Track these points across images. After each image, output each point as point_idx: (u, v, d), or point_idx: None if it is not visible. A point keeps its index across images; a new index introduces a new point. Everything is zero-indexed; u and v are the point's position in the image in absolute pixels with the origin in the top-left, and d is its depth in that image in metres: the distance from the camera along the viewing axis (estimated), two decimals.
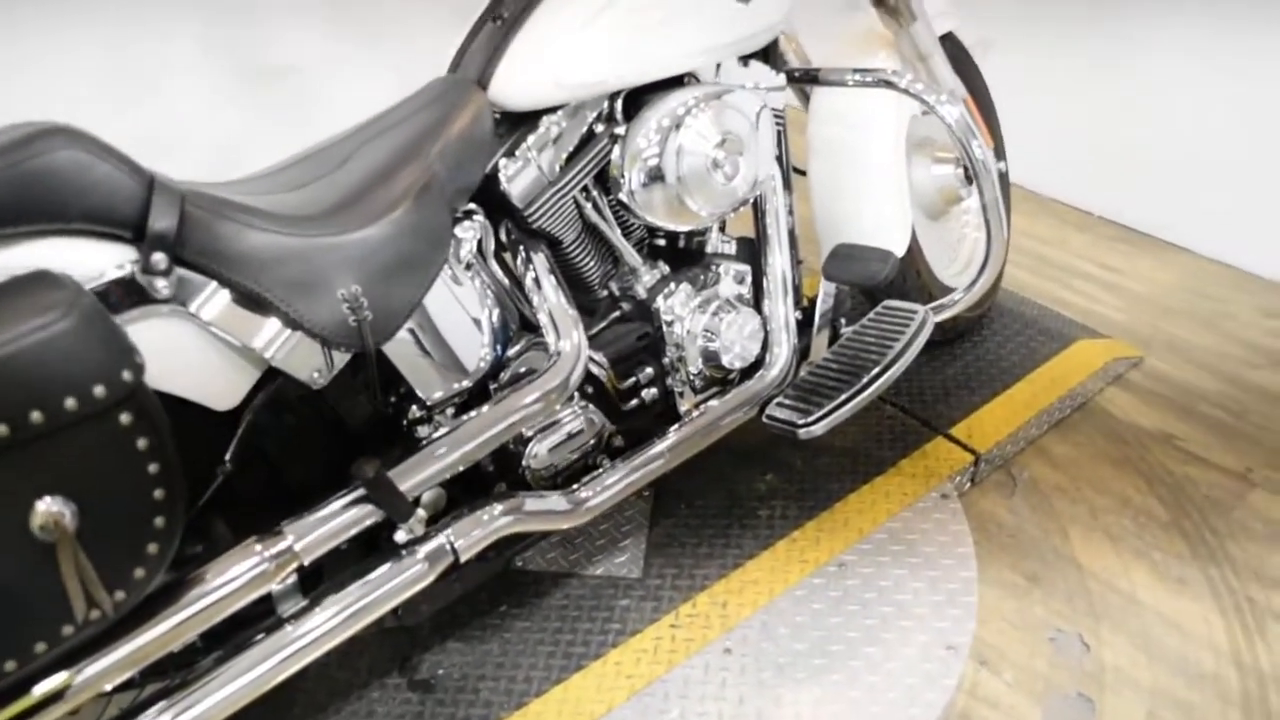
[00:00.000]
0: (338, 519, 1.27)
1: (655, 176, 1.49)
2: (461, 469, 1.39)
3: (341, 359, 1.30)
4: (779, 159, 1.77)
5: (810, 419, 1.59)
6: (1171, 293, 2.56)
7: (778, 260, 1.72)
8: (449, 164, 1.38)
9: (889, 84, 1.71)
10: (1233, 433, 2.12)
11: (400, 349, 1.37)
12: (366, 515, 1.29)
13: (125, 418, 1.02)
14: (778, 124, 1.73)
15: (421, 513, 1.34)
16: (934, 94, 1.70)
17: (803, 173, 2.02)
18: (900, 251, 1.93)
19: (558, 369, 1.46)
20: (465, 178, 1.40)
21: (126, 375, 1.01)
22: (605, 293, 1.65)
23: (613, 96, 1.52)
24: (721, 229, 1.77)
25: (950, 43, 2.17)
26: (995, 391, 2.15)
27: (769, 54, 1.74)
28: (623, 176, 1.49)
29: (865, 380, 1.63)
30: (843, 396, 1.61)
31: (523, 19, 1.46)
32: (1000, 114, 2.33)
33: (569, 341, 1.47)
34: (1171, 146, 2.69)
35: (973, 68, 2.27)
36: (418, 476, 1.34)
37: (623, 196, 1.50)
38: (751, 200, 1.64)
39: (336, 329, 1.24)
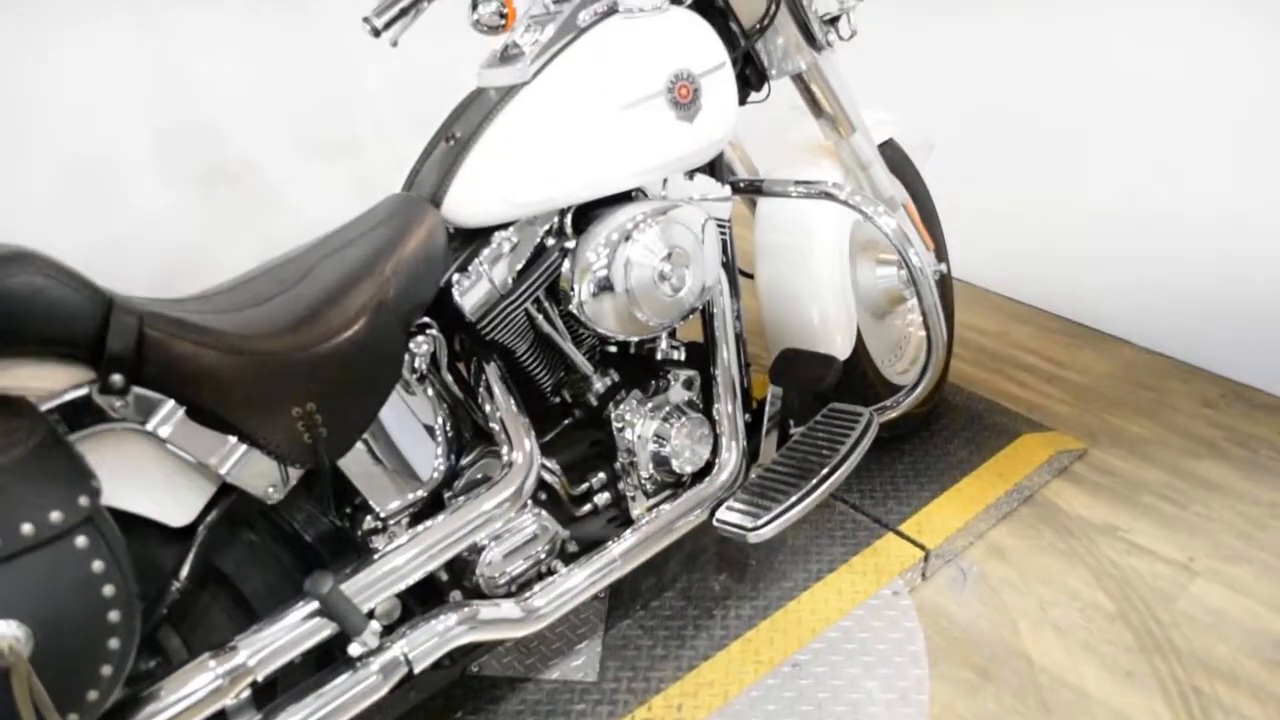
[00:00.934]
0: (292, 633, 1.28)
1: (604, 288, 1.54)
2: (416, 579, 1.41)
3: (296, 473, 1.32)
4: (726, 265, 1.83)
5: (760, 522, 1.62)
6: (1113, 384, 2.63)
7: (726, 365, 1.77)
8: (403, 281, 1.42)
9: (829, 195, 1.79)
10: (1175, 522, 2.17)
11: (355, 462, 1.40)
12: (321, 628, 1.31)
13: (81, 541, 1.04)
14: (722, 233, 1.79)
15: (376, 625, 1.35)
16: (871, 205, 1.77)
17: (750, 276, 2.09)
18: (845, 354, 2.00)
19: (511, 478, 1.49)
20: (419, 294, 1.44)
21: (83, 500, 1.03)
22: (558, 400, 1.69)
23: (563, 211, 1.58)
24: (671, 335, 1.82)
25: (890, 148, 2.26)
26: (944, 486, 2.20)
27: (714, 166, 1.81)
28: (572, 289, 1.54)
29: (813, 483, 1.67)
30: (791, 500, 1.65)
31: (474, 139, 1.52)
32: (942, 212, 2.43)
33: (521, 450, 1.50)
34: (1108, 240, 2.79)
35: (913, 171, 2.36)
36: (372, 589, 1.36)
37: (573, 308, 1.55)
38: (699, 308, 1.70)
39: (291, 446, 1.26)
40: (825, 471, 1.69)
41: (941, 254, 2.38)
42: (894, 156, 2.28)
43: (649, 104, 1.55)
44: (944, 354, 1.88)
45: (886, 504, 2.14)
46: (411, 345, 1.44)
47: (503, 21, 1.81)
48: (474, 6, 1.79)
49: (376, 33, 1.70)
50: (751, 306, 2.07)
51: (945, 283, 2.40)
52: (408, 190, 1.57)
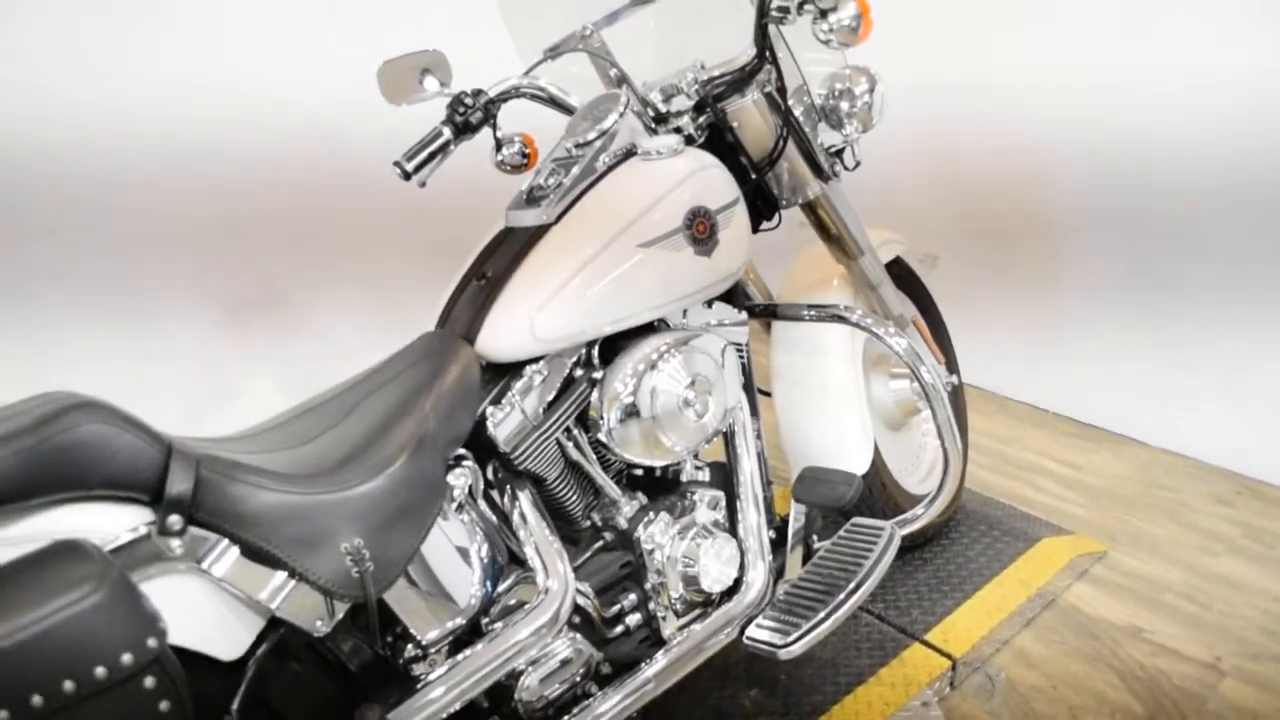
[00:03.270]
0: None
1: (632, 416, 1.62)
2: (458, 707, 1.45)
3: (343, 607, 1.38)
4: (745, 387, 1.90)
5: (789, 639, 1.66)
6: (1129, 485, 2.68)
7: (749, 484, 1.83)
8: (441, 416, 1.49)
9: (841, 319, 1.87)
10: (1199, 622, 2.19)
11: (397, 593, 1.45)
12: None
13: (149, 681, 1.09)
14: (741, 357, 1.87)
15: None
16: (882, 326, 1.85)
17: (768, 394, 2.16)
18: (863, 468, 2.06)
19: (547, 603, 1.54)
20: (456, 427, 1.51)
21: (152, 642, 1.09)
22: (588, 524, 1.74)
23: (590, 344, 1.66)
24: (695, 456, 1.89)
25: (898, 265, 2.36)
26: (967, 594, 2.23)
27: (732, 294, 1.90)
28: (601, 418, 1.61)
29: (839, 598, 1.71)
30: (819, 615, 1.69)
31: (506, 279, 1.61)
32: (951, 317, 2.51)
33: (556, 576, 1.56)
34: (1117, 343, 2.87)
35: (920, 286, 2.45)
36: (417, 718, 1.40)
37: (601, 436, 1.62)
38: (723, 430, 1.77)
39: (340, 580, 1.32)
40: (851, 586, 1.73)
41: (952, 365, 2.45)
42: (901, 273, 2.37)
43: (668, 241, 1.64)
44: (960, 464, 1.93)
45: (911, 614, 2.18)
46: (450, 477, 1.51)
47: (525, 161, 1.93)
48: (498, 148, 1.91)
49: (407, 176, 1.80)
50: (771, 423, 2.14)
51: (958, 393, 2.47)
52: (441, 327, 1.66)
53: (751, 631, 1.72)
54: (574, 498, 1.71)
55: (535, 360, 1.61)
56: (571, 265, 1.60)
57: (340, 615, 1.38)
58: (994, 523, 2.47)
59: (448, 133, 1.80)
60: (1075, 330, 2.93)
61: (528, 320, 1.57)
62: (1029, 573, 2.30)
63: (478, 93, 1.83)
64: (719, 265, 1.71)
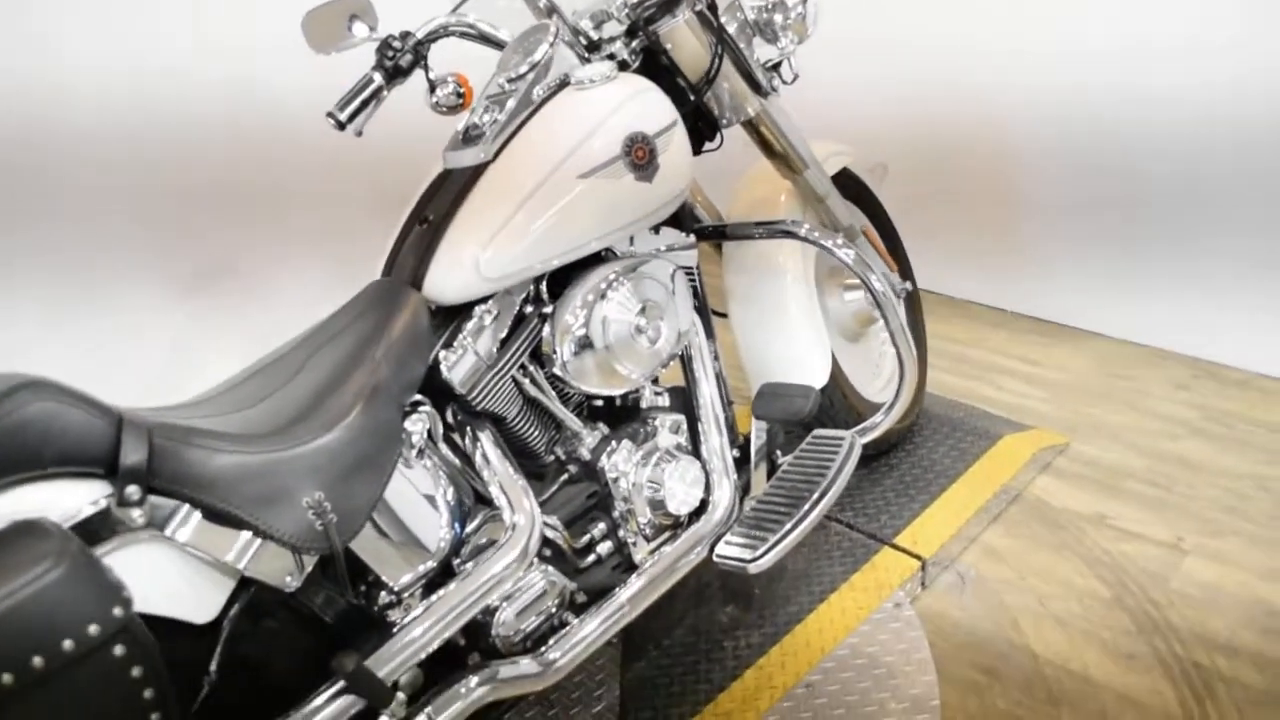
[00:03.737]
0: (321, 714, 1.34)
1: (585, 348, 1.62)
2: (435, 647, 1.47)
3: (311, 560, 1.39)
4: (699, 309, 1.91)
5: (758, 553, 1.69)
6: (1088, 377, 2.72)
7: (709, 405, 1.84)
8: (393, 364, 1.49)
9: (790, 233, 1.87)
10: (1161, 504, 2.25)
11: (365, 542, 1.46)
12: (350, 706, 1.37)
13: (119, 650, 1.10)
14: (691, 280, 1.87)
15: (401, 696, 1.41)
16: (830, 238, 1.86)
17: (724, 315, 2.17)
18: (822, 381, 2.08)
19: (515, 539, 1.55)
20: (409, 374, 1.51)
21: (118, 611, 1.09)
22: (552, 458, 1.76)
23: (538, 279, 1.66)
24: (655, 382, 1.90)
25: (846, 177, 2.35)
26: (933, 496, 2.27)
27: (679, 216, 1.89)
28: (555, 352, 1.61)
29: (804, 510, 1.74)
30: (785, 528, 1.71)
31: (448, 221, 1.60)
32: (906, 226, 2.51)
33: (523, 512, 1.57)
34: (1071, 239, 2.88)
35: (870, 196, 2.45)
36: (395, 662, 1.42)
37: (557, 370, 1.62)
38: (678, 354, 1.77)
39: (304, 534, 1.33)
40: (815, 497, 1.76)
41: (906, 271, 2.47)
42: (850, 184, 2.37)
43: (608, 170, 1.63)
44: (916, 370, 1.95)
45: (880, 519, 2.21)
46: (407, 424, 1.51)
47: (460, 101, 1.90)
48: (432, 89, 1.88)
49: (341, 125, 1.78)
50: (730, 343, 2.15)
51: (914, 299, 2.48)
52: (387, 275, 1.65)
53: (721, 549, 1.74)
54: (536, 434, 1.71)
55: (484, 300, 1.61)
56: (512, 202, 1.59)
57: (309, 569, 1.39)
58: (956, 424, 2.50)
59: (379, 78, 1.77)
60: (1029, 230, 2.95)
61: (473, 260, 1.57)
62: (993, 469, 2.34)
63: (405, 35, 1.80)
64: (661, 190, 1.70)
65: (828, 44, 2.68)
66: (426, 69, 1.83)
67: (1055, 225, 2.89)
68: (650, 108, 1.70)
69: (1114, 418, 2.54)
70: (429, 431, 1.57)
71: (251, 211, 2.97)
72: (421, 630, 1.46)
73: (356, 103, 1.77)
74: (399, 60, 1.78)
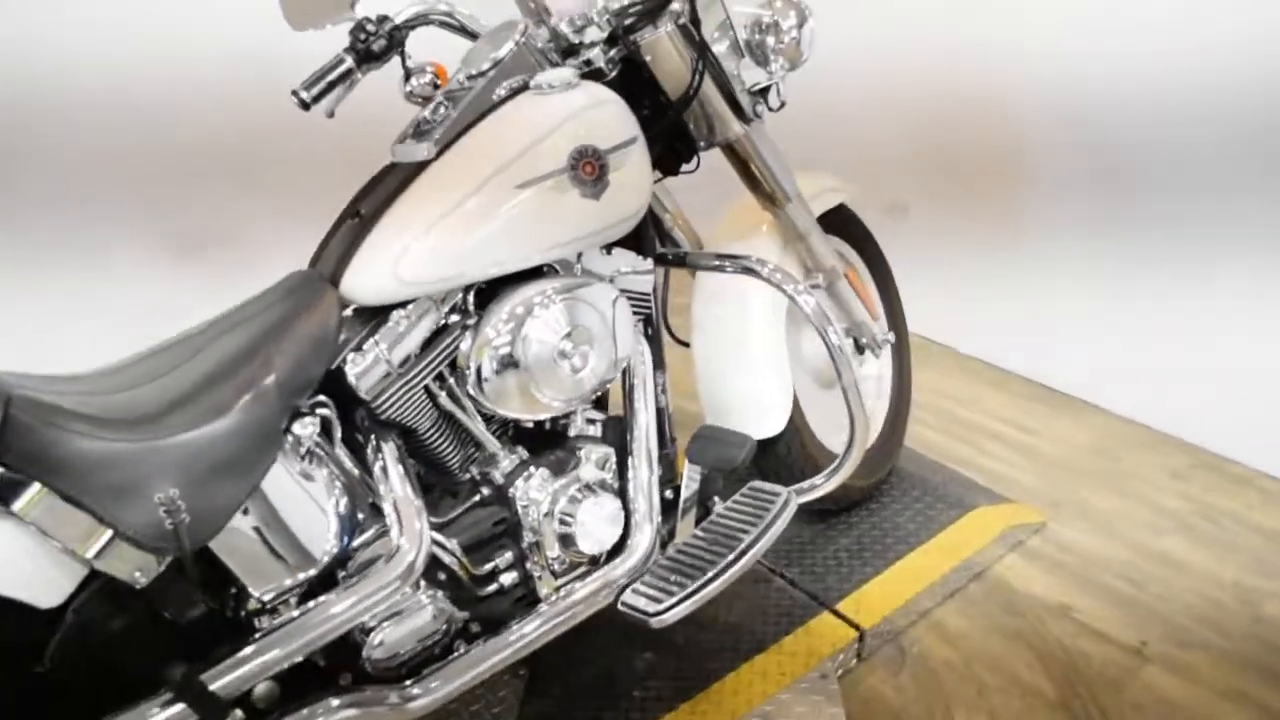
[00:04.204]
0: None
1: (502, 366, 1.52)
2: (287, 665, 1.39)
3: (166, 558, 1.31)
4: (651, 338, 1.80)
5: (661, 607, 1.58)
6: (1082, 454, 2.56)
7: (643, 440, 1.74)
8: (289, 362, 1.41)
9: (751, 271, 1.76)
10: (1131, 603, 2.10)
11: (230, 545, 1.38)
12: (185, 716, 1.29)
13: None
14: (646, 307, 1.77)
15: (239, 714, 1.33)
16: (791, 283, 1.74)
17: (687, 345, 2.06)
18: (776, 430, 1.97)
19: (398, 560, 1.47)
20: (304, 374, 1.43)
21: None
22: (467, 476, 1.66)
23: (467, 289, 1.57)
24: (599, 404, 1.80)
25: (840, 214, 2.23)
26: (888, 562, 2.14)
27: (640, 238, 1.79)
28: (468, 367, 1.52)
29: (719, 566, 1.63)
30: (696, 584, 1.61)
31: (377, 217, 1.52)
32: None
33: (410, 532, 1.48)
34: (1088, 304, 2.73)
35: (865, 235, 2.33)
36: (240, 673, 1.34)
37: (469, 387, 1.53)
38: (607, 386, 1.67)
39: (152, 532, 1.25)
40: (734, 555, 1.65)
41: (896, 321, 2.34)
42: (844, 223, 2.25)
43: (550, 182, 1.53)
44: (865, 435, 1.83)
45: (826, 580, 2.09)
46: (297, 426, 1.43)
47: (435, 92, 1.82)
48: (407, 77, 1.80)
49: (305, 105, 1.71)
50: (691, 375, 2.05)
51: (902, 348, 2.36)
52: (314, 266, 1.57)
53: (627, 597, 1.64)
54: (450, 449, 1.63)
55: (404, 305, 1.52)
56: (442, 205, 1.50)
57: (163, 567, 1.31)
58: (930, 488, 2.37)
59: (350, 60, 1.71)
60: (1044, 289, 2.80)
61: (392, 263, 1.48)
62: (958, 541, 2.21)
63: (383, 19, 1.72)
64: (609, 210, 1.60)
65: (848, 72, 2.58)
66: (404, 56, 1.77)
67: (1072, 288, 2.74)
68: (608, 121, 1.60)
69: (1100, 501, 2.39)
70: (326, 436, 1.50)
71: (254, 180, 2.94)
72: (279, 643, 1.38)
73: (323, 83, 1.71)
74: (371, 44, 1.71)
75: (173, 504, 1.26)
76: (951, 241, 2.94)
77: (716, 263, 1.79)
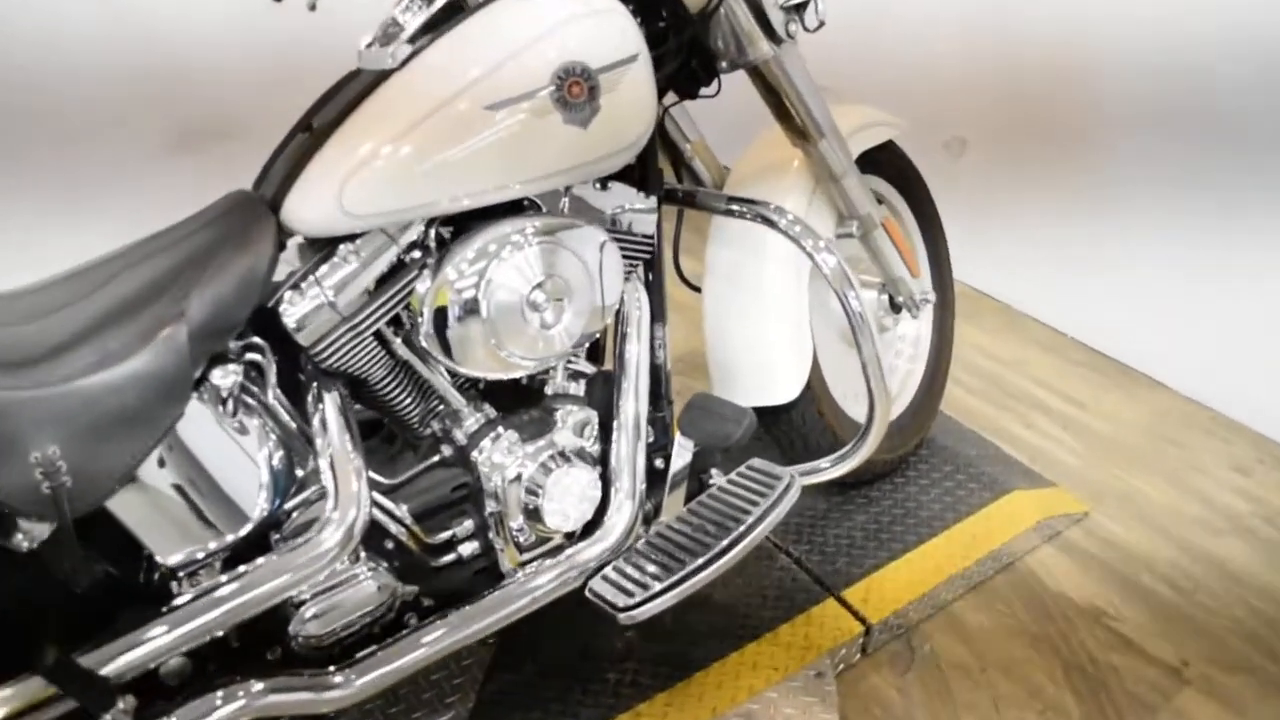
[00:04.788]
0: (8, 706, 1.11)
1: (459, 315, 1.32)
2: (204, 640, 1.22)
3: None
4: (651, 286, 1.59)
5: (632, 601, 1.39)
6: (1135, 435, 2.32)
7: (631, 403, 1.53)
8: (208, 300, 1.21)
9: (767, 220, 1.52)
10: (1174, 613, 1.87)
11: (136, 505, 1.21)
12: (60, 701, 1.13)
13: None
14: (644, 250, 1.54)
15: (126, 702, 1.17)
16: (811, 239, 1.51)
17: (698, 289, 1.84)
18: (792, 395, 1.75)
19: (332, 528, 1.29)
20: (227, 315, 1.23)
21: None
22: (429, 431, 1.47)
23: (430, 222, 1.35)
24: (592, 355, 1.59)
25: (889, 152, 1.98)
26: (907, 547, 1.93)
27: (644, 171, 1.56)
28: (420, 313, 1.31)
29: (703, 559, 1.43)
30: (674, 578, 1.41)
31: (330, 133, 1.30)
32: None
33: (348, 496, 1.30)
34: (1160, 268, 2.45)
35: (914, 177, 2.07)
36: (132, 654, 1.18)
37: (420, 337, 1.33)
38: (589, 341, 1.46)
39: (25, 496, 1.08)
40: (721, 546, 1.44)
41: (942, 276, 2.09)
42: (891, 162, 1.99)
43: (528, 104, 1.30)
44: (886, 415, 1.60)
45: (836, 562, 1.89)
46: (215, 374, 1.24)
47: None
48: None
49: None
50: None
51: (946, 304, 2.11)
52: (257, 187, 1.36)
53: (596, 583, 1.45)
54: (407, 402, 1.43)
55: (352, 238, 1.31)
56: (398, 125, 1.28)
57: (54, 528, 1.14)
58: (964, 463, 2.14)
59: None
60: (1112, 246, 2.51)
61: (337, 189, 1.27)
62: (988, 528, 1.99)
63: None
64: (599, 139, 1.36)
65: None
66: None
67: (1142, 247, 2.45)
68: (604, 33, 1.36)
69: (1152, 492, 2.15)
70: (259, 381, 1.31)
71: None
72: (189, 618, 1.21)
73: None
74: None
75: (51, 465, 1.08)
76: (1011, 185, 2.66)
77: (730, 206, 1.56)
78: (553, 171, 1.36)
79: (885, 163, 1.98)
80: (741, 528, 1.46)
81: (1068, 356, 2.57)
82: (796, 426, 1.82)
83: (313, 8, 1.58)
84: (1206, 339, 2.35)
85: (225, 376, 1.25)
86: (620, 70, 1.36)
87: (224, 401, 1.26)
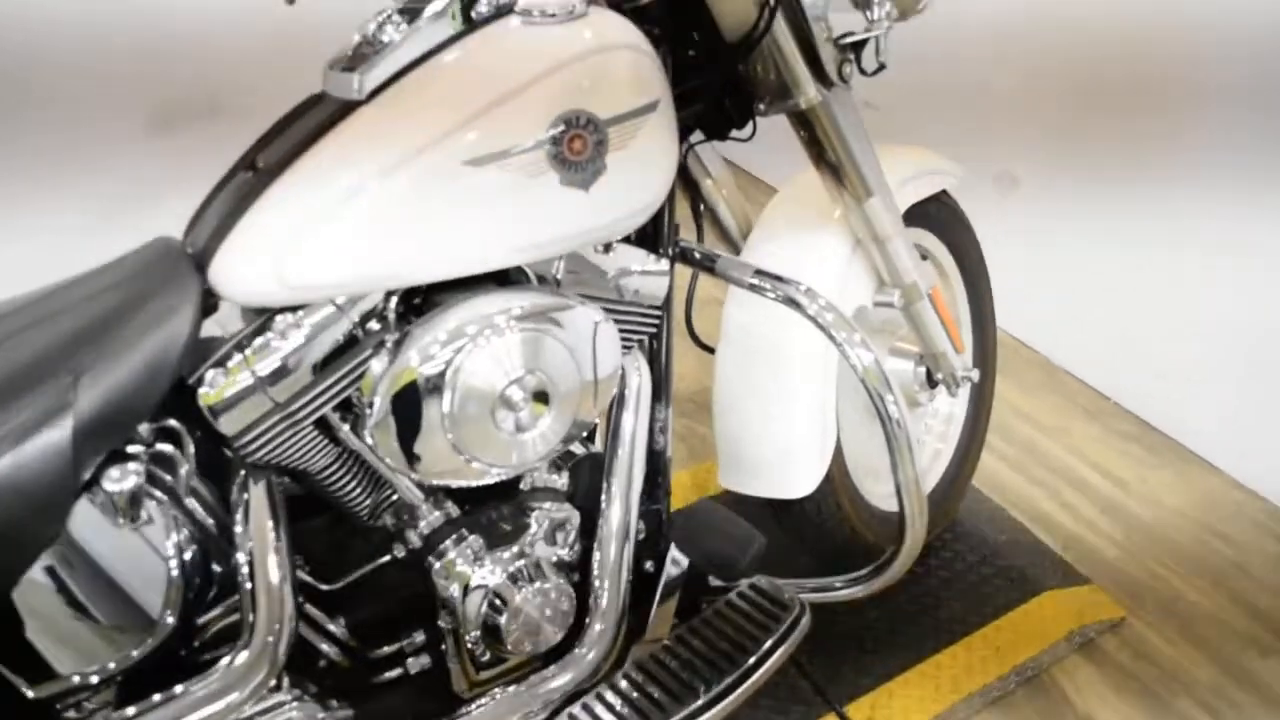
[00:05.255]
0: None
1: (416, 409, 1.08)
2: None
3: None
4: (654, 360, 1.35)
5: None
6: (1182, 526, 2.08)
7: (620, 504, 1.30)
8: (105, 387, 0.98)
9: (794, 303, 1.28)
10: None
11: (36, 614, 1.00)
12: None
13: None
14: (652, 323, 1.30)
15: None
16: (846, 330, 1.27)
17: (711, 350, 1.61)
18: (806, 490, 1.52)
19: (249, 655, 1.08)
20: (128, 407, 1.00)
21: None
22: (381, 524, 1.25)
23: (390, 292, 1.11)
24: (590, 439, 1.37)
25: (940, 205, 1.74)
26: (922, 655, 1.71)
27: (657, 228, 1.31)
28: (368, 403, 1.08)
29: (692, 709, 1.21)
30: None
31: (274, 177, 1.06)
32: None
33: (271, 612, 1.09)
34: (1223, 337, 2.20)
35: (965, 233, 1.83)
36: None
37: (366, 431, 1.09)
38: (566, 446, 1.22)
39: None
40: (715, 692, 1.22)
41: (985, 347, 1.86)
42: (942, 215, 1.75)
43: (516, 161, 1.06)
44: (917, 546, 1.38)
45: (840, 670, 1.67)
46: (110, 476, 1.01)
47: None
48: None
49: None
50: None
51: (985, 379, 1.87)
52: (188, 233, 1.12)
53: None
54: (356, 493, 1.20)
55: (295, 309, 1.08)
56: (356, 175, 1.04)
57: None
58: (992, 553, 1.91)
59: None
60: (1168, 304, 2.26)
61: (277, 253, 1.03)
62: (1016, 637, 1.76)
63: None
64: (602, 204, 1.12)
65: None
66: None
67: (1209, 305, 2.20)
68: (618, 76, 1.12)
69: (1196, 597, 1.92)
70: (173, 473, 1.08)
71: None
72: None
73: None
74: None
75: None
76: (1061, 224, 2.41)
77: (753, 280, 1.31)
78: (544, 241, 1.12)
79: (934, 214, 1.74)
80: (740, 670, 1.25)
81: (1112, 425, 2.33)
82: (810, 518, 1.60)
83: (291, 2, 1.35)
84: (1271, 422, 2.11)
85: (123, 479, 1.01)
86: (634, 122, 1.11)
87: (120, 508, 1.03)
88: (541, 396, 1.13)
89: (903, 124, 1.94)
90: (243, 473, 1.12)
